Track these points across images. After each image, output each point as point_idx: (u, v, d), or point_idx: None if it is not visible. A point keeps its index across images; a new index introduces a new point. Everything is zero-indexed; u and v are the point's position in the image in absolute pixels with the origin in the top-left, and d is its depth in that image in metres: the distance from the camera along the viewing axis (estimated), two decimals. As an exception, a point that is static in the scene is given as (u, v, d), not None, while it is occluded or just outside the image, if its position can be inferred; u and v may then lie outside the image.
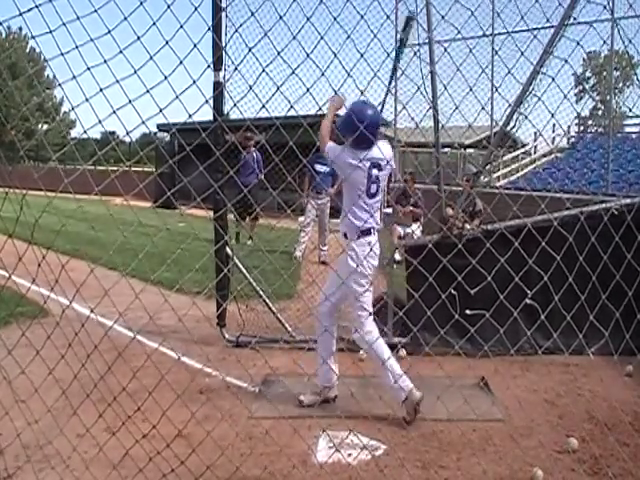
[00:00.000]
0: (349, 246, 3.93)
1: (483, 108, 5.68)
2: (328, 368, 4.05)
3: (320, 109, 3.40)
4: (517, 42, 5.34)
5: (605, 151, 9.79)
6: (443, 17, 3.42)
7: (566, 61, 3.13)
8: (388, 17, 2.99)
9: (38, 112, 31.80)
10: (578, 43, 3.36)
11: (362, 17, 2.76)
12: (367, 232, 3.90)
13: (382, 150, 3.84)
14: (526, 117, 5.40)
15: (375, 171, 3.88)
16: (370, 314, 3.98)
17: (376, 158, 3.85)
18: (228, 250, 5.30)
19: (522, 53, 3.32)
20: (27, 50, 35.71)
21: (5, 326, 5.68)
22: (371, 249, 3.85)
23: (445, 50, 5.87)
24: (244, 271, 5.47)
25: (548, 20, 4.83)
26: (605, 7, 6.86)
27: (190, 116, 2.66)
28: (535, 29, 5.87)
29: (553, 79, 3.09)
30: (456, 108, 3.13)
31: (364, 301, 3.93)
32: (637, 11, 7.42)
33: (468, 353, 4.38)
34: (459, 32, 4.86)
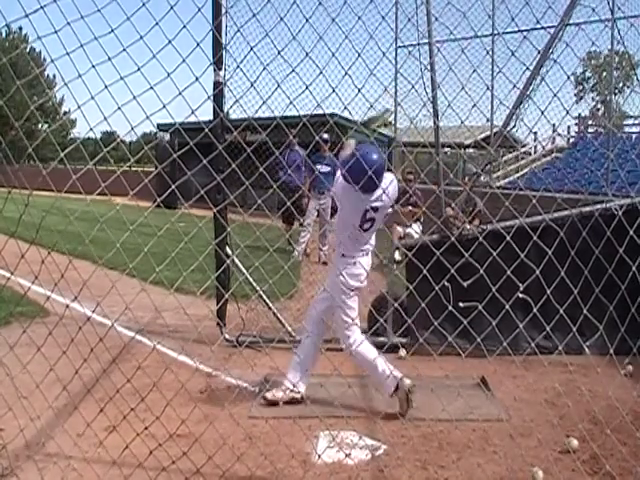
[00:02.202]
0: (336, 264, 4.03)
1: (482, 110, 5.68)
2: (300, 369, 4.10)
3: (319, 106, 3.40)
4: (517, 42, 5.34)
5: (605, 151, 9.79)
6: (437, 18, 3.41)
7: (565, 62, 3.12)
8: (384, 18, 3.00)
9: (38, 112, 31.84)
10: (591, 42, 3.35)
11: (359, 18, 2.77)
12: (352, 255, 3.96)
13: (383, 194, 3.83)
14: (524, 119, 5.40)
15: (371, 213, 3.90)
16: (354, 324, 4.02)
17: (376, 204, 3.88)
18: (228, 250, 5.31)
19: (514, 55, 3.31)
20: (27, 50, 35.80)
21: (5, 325, 5.69)
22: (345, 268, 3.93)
23: (438, 50, 5.86)
24: (244, 271, 5.47)
25: (547, 21, 4.83)
26: (609, 6, 6.85)
27: (193, 112, 2.66)
28: (536, 29, 5.86)
29: (553, 80, 3.09)
30: (454, 107, 3.13)
31: (348, 313, 3.98)
32: (638, 11, 7.42)
33: (469, 353, 4.37)
34: (457, 32, 4.87)
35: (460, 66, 3.63)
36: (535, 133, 14.66)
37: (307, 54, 2.71)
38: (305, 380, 4.13)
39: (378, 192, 3.82)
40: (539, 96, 5.63)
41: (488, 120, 8.22)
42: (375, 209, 3.90)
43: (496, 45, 8.38)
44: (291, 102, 2.75)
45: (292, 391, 4.08)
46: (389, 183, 3.91)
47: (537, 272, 2.97)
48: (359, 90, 2.77)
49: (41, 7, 2.51)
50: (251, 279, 5.45)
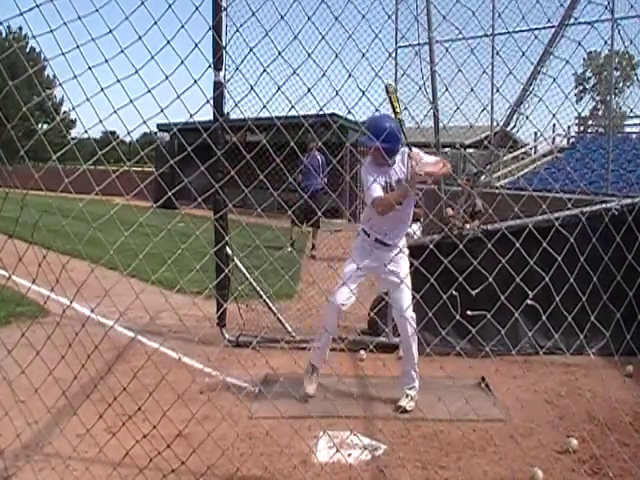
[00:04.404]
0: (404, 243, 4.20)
1: (484, 109, 5.68)
2: (323, 346, 4.20)
3: (321, 109, 3.39)
4: (518, 42, 5.33)
5: (605, 151, 9.78)
6: (444, 17, 3.41)
7: (567, 62, 3.13)
8: (389, 17, 2.98)
9: (38, 112, 31.80)
10: (579, 43, 3.35)
11: (363, 16, 2.75)
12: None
13: (399, 168, 4.06)
14: (527, 117, 5.39)
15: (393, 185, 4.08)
16: None
17: (397, 178, 4.06)
18: (228, 250, 5.30)
19: (523, 53, 3.31)
20: (27, 50, 35.77)
21: (5, 326, 5.69)
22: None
23: (446, 50, 5.86)
24: (244, 271, 5.47)
25: (549, 20, 4.83)
26: (606, 7, 6.85)
27: (191, 116, 2.66)
28: (536, 29, 5.86)
29: (554, 79, 3.08)
30: (457, 108, 3.12)
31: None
32: (638, 11, 7.41)
33: (469, 353, 4.38)
34: (460, 32, 4.85)
35: (461, 66, 3.62)
36: (535, 133, 14.64)
37: (309, 55, 2.70)
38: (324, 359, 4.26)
39: (392, 170, 4.06)
40: (539, 96, 5.61)
41: (494, 120, 8.21)
42: (398, 181, 4.08)
43: (496, 45, 8.37)
44: (292, 106, 2.74)
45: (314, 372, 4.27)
46: (402, 154, 4.11)
47: (546, 279, 2.97)
48: (363, 93, 2.76)
49: (37, 5, 2.50)
50: (251, 279, 5.44)
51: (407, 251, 4.19)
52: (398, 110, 4.06)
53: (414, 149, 4.03)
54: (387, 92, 4.02)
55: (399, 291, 4.06)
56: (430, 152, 4.48)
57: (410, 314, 4.04)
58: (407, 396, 4.07)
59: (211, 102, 4.57)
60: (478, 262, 3.12)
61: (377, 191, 3.96)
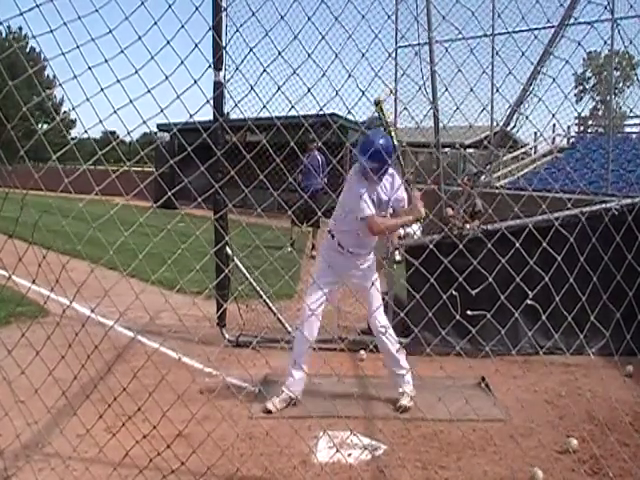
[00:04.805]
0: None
1: (484, 109, 5.68)
2: (299, 377, 4.10)
3: (321, 109, 3.39)
4: (517, 42, 5.34)
5: (605, 151, 9.78)
6: (444, 17, 3.41)
7: (567, 62, 3.12)
8: (389, 17, 2.98)
9: (38, 112, 31.78)
10: (579, 43, 3.35)
11: (363, 17, 2.75)
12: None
13: (384, 188, 4.04)
14: (527, 117, 5.39)
15: (382, 200, 4.07)
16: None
17: (380, 197, 4.04)
18: (228, 250, 5.30)
19: (523, 53, 3.31)
20: (27, 50, 35.75)
21: (5, 326, 5.69)
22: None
23: (446, 50, 5.85)
24: (244, 271, 5.47)
25: (549, 20, 4.83)
26: (606, 7, 6.85)
27: (191, 116, 2.65)
28: (536, 29, 5.86)
29: (554, 79, 3.08)
30: (457, 109, 3.12)
31: (379, 291, 4.24)
32: (638, 11, 7.41)
33: (469, 353, 4.37)
34: (460, 32, 4.86)
35: (461, 66, 3.62)
36: (535, 133, 14.64)
37: (309, 55, 2.69)
38: (302, 382, 4.13)
39: (381, 189, 4.03)
40: (539, 96, 5.62)
41: (494, 120, 8.21)
42: (383, 202, 4.08)
43: (496, 45, 8.37)
44: (292, 106, 2.74)
45: (293, 398, 4.09)
46: (392, 176, 4.09)
47: (546, 279, 2.96)
48: (363, 93, 2.76)
49: (37, 5, 2.50)
50: (251, 279, 5.44)
51: (373, 259, 4.24)
52: (388, 123, 4.05)
53: (416, 192, 4.08)
54: (376, 105, 4.00)
55: (368, 302, 4.15)
56: (430, 152, 4.48)
57: (381, 324, 4.12)
58: (403, 394, 4.09)
59: (211, 102, 4.57)
60: (478, 262, 3.12)
61: (370, 208, 3.92)
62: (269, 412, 4.00)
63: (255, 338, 5.05)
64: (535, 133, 14.58)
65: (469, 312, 3.31)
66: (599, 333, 3.38)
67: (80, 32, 2.60)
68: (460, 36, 5.80)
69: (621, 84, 13.76)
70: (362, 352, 5.12)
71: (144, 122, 2.63)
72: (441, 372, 3.71)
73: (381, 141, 3.87)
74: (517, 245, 3.02)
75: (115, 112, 2.59)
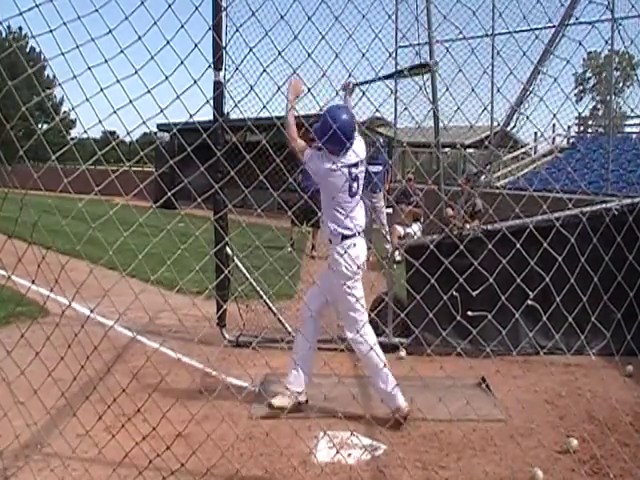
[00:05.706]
0: (334, 250, 3.85)
1: (484, 109, 5.68)
2: (300, 373, 4.01)
3: (321, 109, 3.39)
4: (518, 42, 5.33)
5: (605, 151, 9.78)
6: (445, 17, 3.41)
7: (568, 61, 3.12)
8: (389, 17, 2.98)
9: (38, 112, 31.78)
10: (580, 43, 3.34)
11: (364, 16, 2.75)
12: (351, 236, 3.85)
13: (357, 151, 3.80)
14: (527, 117, 5.39)
15: (354, 169, 3.82)
16: (364, 314, 3.89)
17: (353, 161, 3.80)
18: (228, 250, 5.30)
19: (524, 53, 3.31)
20: (27, 50, 35.73)
21: (5, 326, 5.68)
22: (346, 251, 3.79)
23: (447, 50, 5.86)
24: (244, 271, 5.46)
25: (550, 20, 4.82)
26: (606, 7, 6.85)
27: (191, 116, 2.65)
28: (536, 29, 5.86)
29: (555, 79, 3.08)
30: (457, 109, 3.12)
31: (359, 302, 3.85)
32: (639, 11, 7.41)
33: (469, 353, 4.37)
34: (461, 32, 4.86)
35: (461, 66, 3.61)
36: (535, 133, 14.65)
37: (309, 55, 2.69)
38: (305, 381, 4.11)
39: (350, 153, 3.79)
40: (540, 96, 5.61)
41: (495, 120, 8.21)
42: (355, 165, 3.82)
43: (497, 45, 8.38)
44: (292, 106, 2.73)
45: (297, 397, 4.05)
46: (358, 142, 3.86)
47: (546, 279, 2.96)
48: (363, 93, 2.76)
49: (36, 5, 2.50)
50: (251, 279, 5.44)
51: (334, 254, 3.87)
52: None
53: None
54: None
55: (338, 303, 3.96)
56: (430, 152, 4.48)
57: (355, 333, 3.86)
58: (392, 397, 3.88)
59: (211, 102, 4.57)
60: (478, 262, 3.12)
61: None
62: (271, 406, 3.95)
63: (255, 338, 5.05)
64: (535, 133, 14.59)
65: (469, 312, 3.31)
66: (599, 333, 3.37)
67: (80, 32, 2.59)
68: (461, 36, 5.80)
69: (621, 84, 13.77)
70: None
71: (144, 122, 2.63)
72: (441, 372, 3.71)
73: (344, 116, 3.68)
74: (517, 245, 3.01)
75: (115, 112, 2.59)
